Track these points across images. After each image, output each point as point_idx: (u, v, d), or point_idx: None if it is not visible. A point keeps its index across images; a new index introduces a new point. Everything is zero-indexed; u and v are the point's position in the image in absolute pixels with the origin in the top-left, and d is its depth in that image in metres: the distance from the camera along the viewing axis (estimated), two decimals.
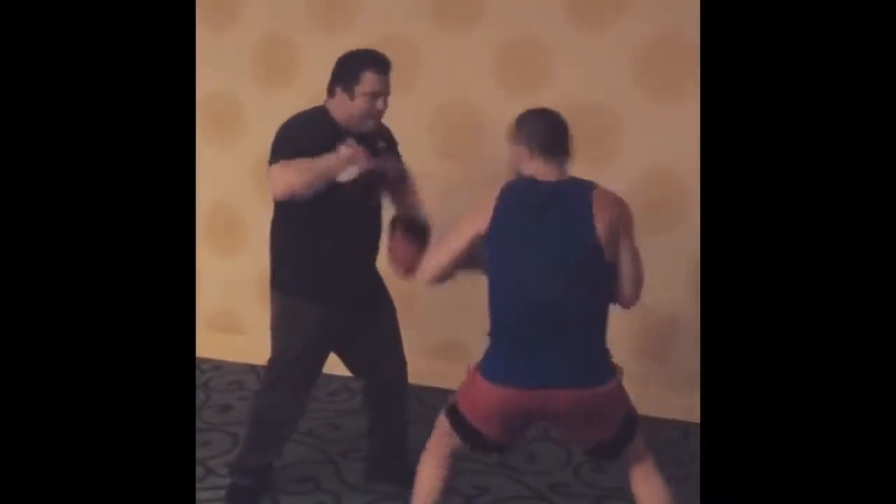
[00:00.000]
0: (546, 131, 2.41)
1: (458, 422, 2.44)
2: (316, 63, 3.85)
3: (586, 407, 2.29)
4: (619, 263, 2.34)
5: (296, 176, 2.53)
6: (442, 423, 2.52)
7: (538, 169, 2.38)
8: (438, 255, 2.44)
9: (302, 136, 2.62)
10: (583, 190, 2.34)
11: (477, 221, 2.35)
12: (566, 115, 2.48)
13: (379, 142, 2.75)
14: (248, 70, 4.03)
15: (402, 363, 2.97)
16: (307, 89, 3.84)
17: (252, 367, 4.02)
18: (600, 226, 2.26)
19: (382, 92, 2.62)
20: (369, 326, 2.86)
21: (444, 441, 2.52)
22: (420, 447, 3.28)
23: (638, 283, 2.39)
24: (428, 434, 3.44)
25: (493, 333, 2.37)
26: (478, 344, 3.75)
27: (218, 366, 4.11)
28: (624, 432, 2.38)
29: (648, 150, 3.53)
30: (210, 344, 4.14)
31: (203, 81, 3.82)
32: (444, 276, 2.44)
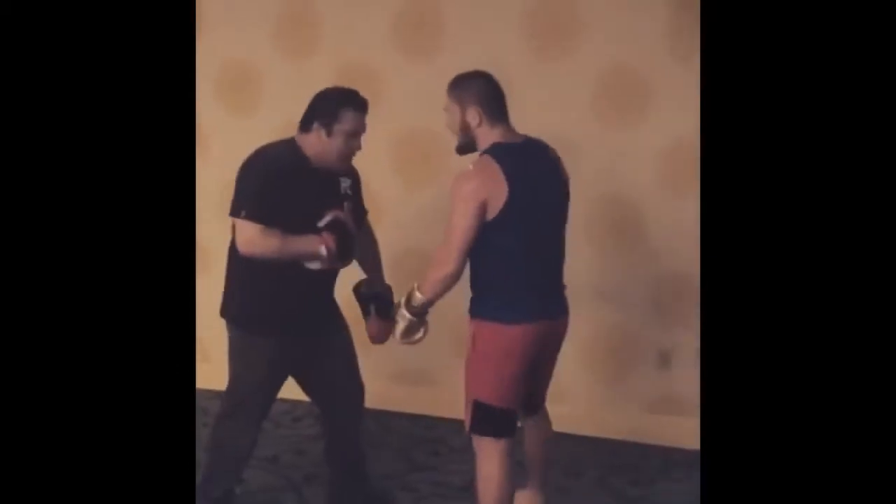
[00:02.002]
0: (497, 93, 2.56)
1: (483, 417, 2.54)
2: (281, 89, 3.91)
3: (563, 336, 2.66)
4: None
5: (263, 245, 2.59)
6: (487, 443, 2.56)
7: (503, 133, 2.52)
8: (454, 245, 2.42)
9: (269, 180, 2.61)
10: (546, 149, 2.60)
11: (483, 192, 2.39)
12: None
13: (343, 182, 2.78)
14: (214, 92, 4.05)
15: (359, 388, 2.96)
16: (273, 114, 3.88)
17: (217, 394, 3.99)
18: (565, 179, 2.61)
19: (359, 131, 2.67)
20: (325, 353, 2.85)
21: (499, 456, 2.56)
22: (386, 471, 3.30)
23: None
24: (394, 458, 3.45)
25: (501, 285, 2.49)
26: (442, 368, 3.80)
27: None
28: None
29: (605, 175, 3.61)
30: None
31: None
32: (464, 265, 2.46)
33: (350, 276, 2.84)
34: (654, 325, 3.60)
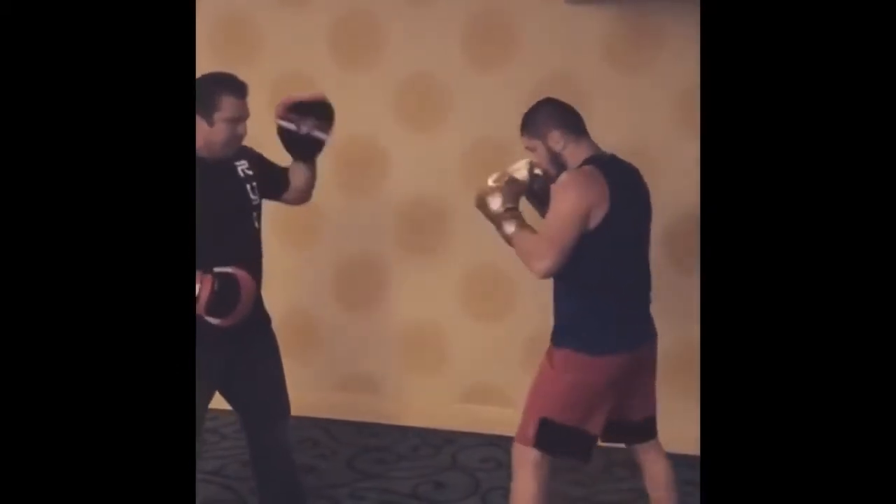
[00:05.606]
0: (570, 110, 2.44)
1: (550, 435, 2.38)
2: None
3: (652, 359, 2.52)
4: None
5: None
6: (524, 456, 2.42)
7: (589, 147, 2.41)
8: (555, 240, 2.29)
9: None
10: (628, 164, 2.45)
11: (588, 202, 2.28)
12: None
13: (239, 164, 2.57)
14: None
15: (283, 396, 2.72)
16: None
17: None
18: (648, 195, 2.49)
19: (243, 117, 2.47)
20: (248, 359, 2.60)
21: (534, 475, 2.41)
22: (333, 480, 3.30)
23: None
24: (340, 467, 3.46)
25: (590, 314, 2.39)
26: (384, 375, 3.82)
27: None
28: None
29: None
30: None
31: None
32: (558, 268, 2.32)
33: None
34: None
